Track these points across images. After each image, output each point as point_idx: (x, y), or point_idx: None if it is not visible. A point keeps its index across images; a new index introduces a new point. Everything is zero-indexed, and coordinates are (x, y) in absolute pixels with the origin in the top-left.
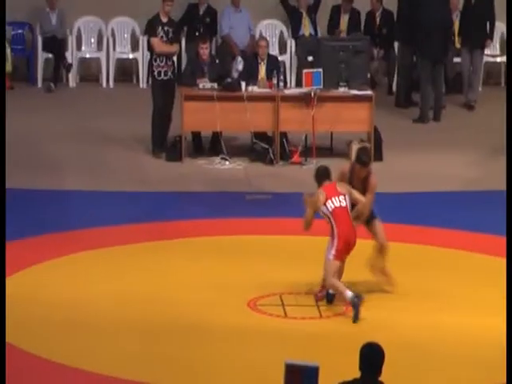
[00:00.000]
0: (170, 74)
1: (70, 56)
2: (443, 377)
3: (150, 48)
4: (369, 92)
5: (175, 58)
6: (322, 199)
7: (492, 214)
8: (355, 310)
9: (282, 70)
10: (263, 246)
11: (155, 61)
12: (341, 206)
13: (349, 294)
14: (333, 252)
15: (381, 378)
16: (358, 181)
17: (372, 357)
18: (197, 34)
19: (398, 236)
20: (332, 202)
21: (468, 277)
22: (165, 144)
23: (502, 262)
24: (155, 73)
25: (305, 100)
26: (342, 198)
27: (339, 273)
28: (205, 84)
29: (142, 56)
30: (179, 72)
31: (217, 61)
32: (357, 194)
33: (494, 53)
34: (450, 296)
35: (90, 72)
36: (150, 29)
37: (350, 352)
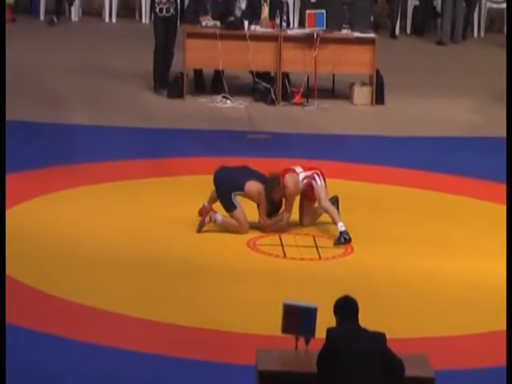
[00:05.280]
0: (172, 10)
1: None
2: (443, 321)
3: None
4: (372, 35)
5: None
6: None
7: (493, 161)
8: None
9: (285, 10)
10: None
11: None
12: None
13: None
14: None
15: (383, 321)
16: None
17: (347, 305)
18: None
19: (397, 180)
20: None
21: (468, 222)
22: (166, 81)
23: (502, 208)
24: (157, 9)
25: (307, 41)
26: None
27: None
28: (208, 22)
29: None
30: (182, 9)
31: None
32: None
33: None
34: (451, 241)
35: (92, 6)
36: None
37: (349, 293)
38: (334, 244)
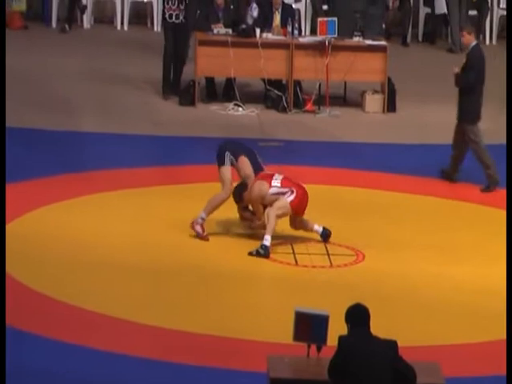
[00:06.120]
0: (181, 17)
1: None
2: (454, 328)
3: None
4: (383, 42)
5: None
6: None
7: (504, 168)
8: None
9: (296, 17)
10: None
11: (167, 3)
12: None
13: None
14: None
15: (394, 328)
16: None
17: (358, 313)
18: None
19: (408, 187)
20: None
21: (474, 228)
22: (177, 87)
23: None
24: (166, 15)
25: (319, 49)
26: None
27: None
28: (219, 29)
29: None
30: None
31: (232, 6)
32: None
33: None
34: (462, 247)
35: (104, 14)
36: None
37: (360, 301)
38: (249, 253)
